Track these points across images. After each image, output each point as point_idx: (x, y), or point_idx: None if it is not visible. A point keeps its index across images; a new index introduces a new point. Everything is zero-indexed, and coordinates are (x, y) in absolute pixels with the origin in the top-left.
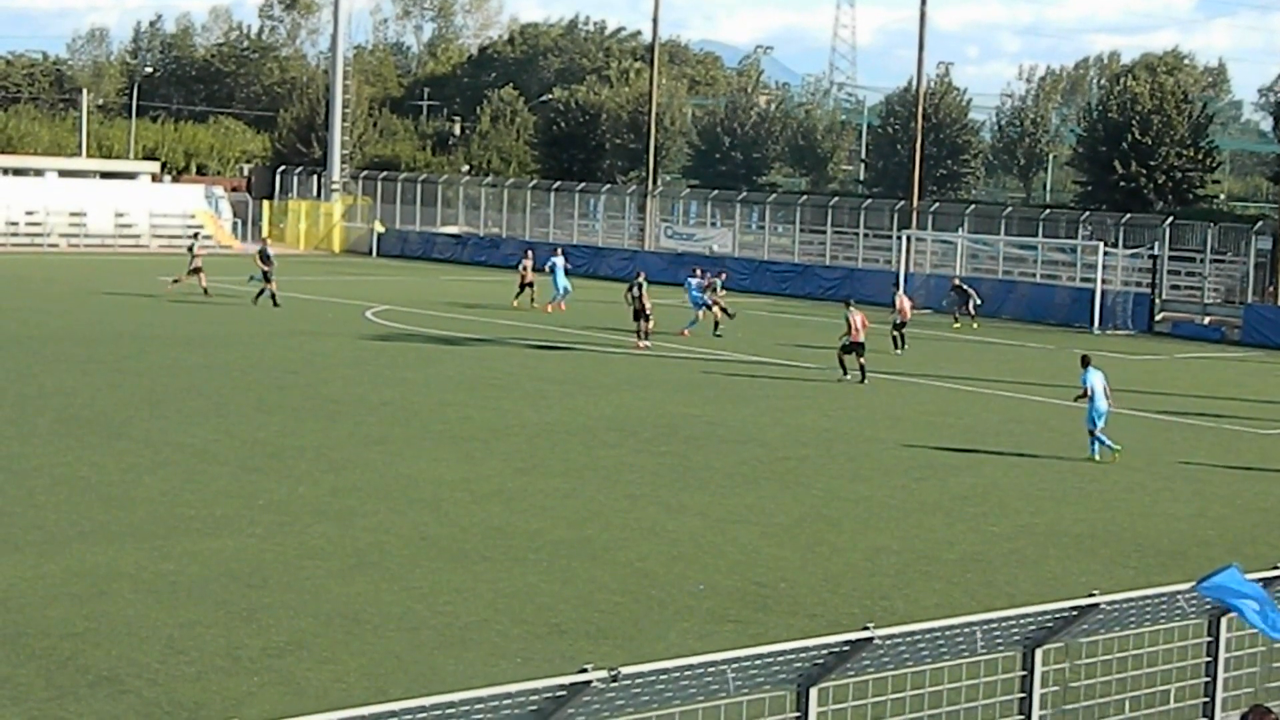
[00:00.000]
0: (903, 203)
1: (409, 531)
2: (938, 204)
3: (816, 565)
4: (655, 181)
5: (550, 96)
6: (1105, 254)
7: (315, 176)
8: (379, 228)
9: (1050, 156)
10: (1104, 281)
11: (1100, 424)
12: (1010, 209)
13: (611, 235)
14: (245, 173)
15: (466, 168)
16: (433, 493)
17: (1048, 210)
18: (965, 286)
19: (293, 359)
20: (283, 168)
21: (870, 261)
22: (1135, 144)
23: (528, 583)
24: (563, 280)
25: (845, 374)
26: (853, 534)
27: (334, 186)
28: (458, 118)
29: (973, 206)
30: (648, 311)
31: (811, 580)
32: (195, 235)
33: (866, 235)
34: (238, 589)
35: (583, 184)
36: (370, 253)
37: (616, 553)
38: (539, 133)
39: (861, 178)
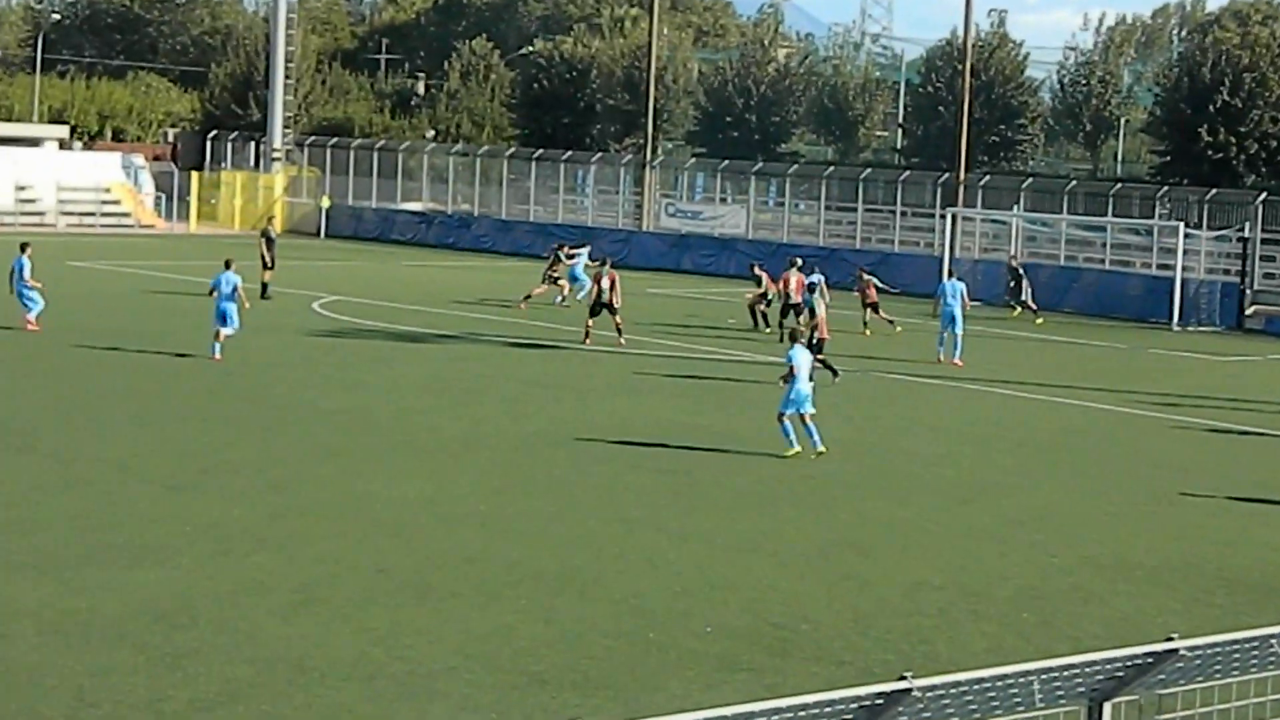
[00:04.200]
0: (947, 175)
1: (364, 562)
2: (988, 177)
3: (844, 602)
4: (655, 150)
5: (531, 49)
6: (1186, 236)
7: (253, 143)
8: (325, 203)
9: (1122, 121)
10: (1185, 269)
11: (796, 409)
12: (1074, 183)
13: (603, 213)
14: (170, 139)
15: (432, 133)
16: (393, 516)
17: (1118, 185)
18: (1021, 269)
19: (228, 359)
20: (214, 133)
21: (909, 244)
22: (1223, 107)
23: (504, 623)
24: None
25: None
26: (887, 565)
27: (275, 155)
28: (421, 74)
29: (1030, 180)
30: (616, 304)
31: (838, 620)
32: (559, 246)
33: (904, 214)
34: (161, 630)
35: (569, 152)
36: (318, 233)
37: (609, 587)
38: (518, 92)
39: (898, 146)
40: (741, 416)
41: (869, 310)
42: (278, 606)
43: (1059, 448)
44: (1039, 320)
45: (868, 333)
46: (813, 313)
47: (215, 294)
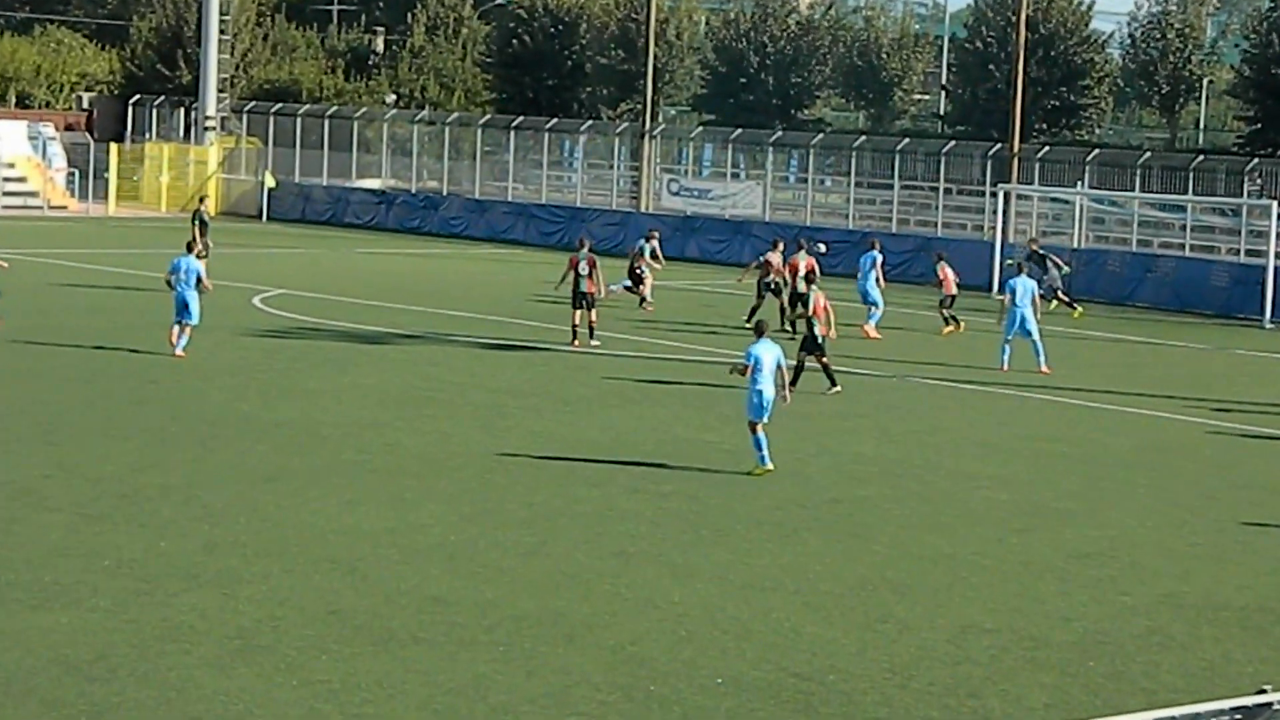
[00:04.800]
0: (998, 147)
1: (313, 603)
2: (1047, 148)
3: (879, 650)
4: (655, 117)
5: (509, 0)
6: None
7: (183, 110)
8: (269, 181)
9: (1204, 83)
10: (1279, 256)
11: (764, 417)
12: (1148, 154)
13: (595, 192)
14: (85, 105)
15: (393, 97)
16: (346, 549)
17: (1200, 157)
18: (1046, 254)
19: (153, 363)
20: (137, 98)
21: (954, 227)
22: None
23: (477, 674)
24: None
25: (950, 325)
26: (929, 606)
27: (208, 124)
28: (380, 29)
29: (1096, 152)
30: (595, 295)
31: (872, 671)
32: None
33: (948, 191)
34: (74, 682)
35: (554, 120)
36: (259, 215)
37: (601, 632)
38: (493, 49)
39: (941, 112)
40: None
41: (945, 304)
42: (211, 656)
43: (1132, 467)
44: (1077, 312)
45: (951, 330)
46: (806, 303)
47: (174, 281)
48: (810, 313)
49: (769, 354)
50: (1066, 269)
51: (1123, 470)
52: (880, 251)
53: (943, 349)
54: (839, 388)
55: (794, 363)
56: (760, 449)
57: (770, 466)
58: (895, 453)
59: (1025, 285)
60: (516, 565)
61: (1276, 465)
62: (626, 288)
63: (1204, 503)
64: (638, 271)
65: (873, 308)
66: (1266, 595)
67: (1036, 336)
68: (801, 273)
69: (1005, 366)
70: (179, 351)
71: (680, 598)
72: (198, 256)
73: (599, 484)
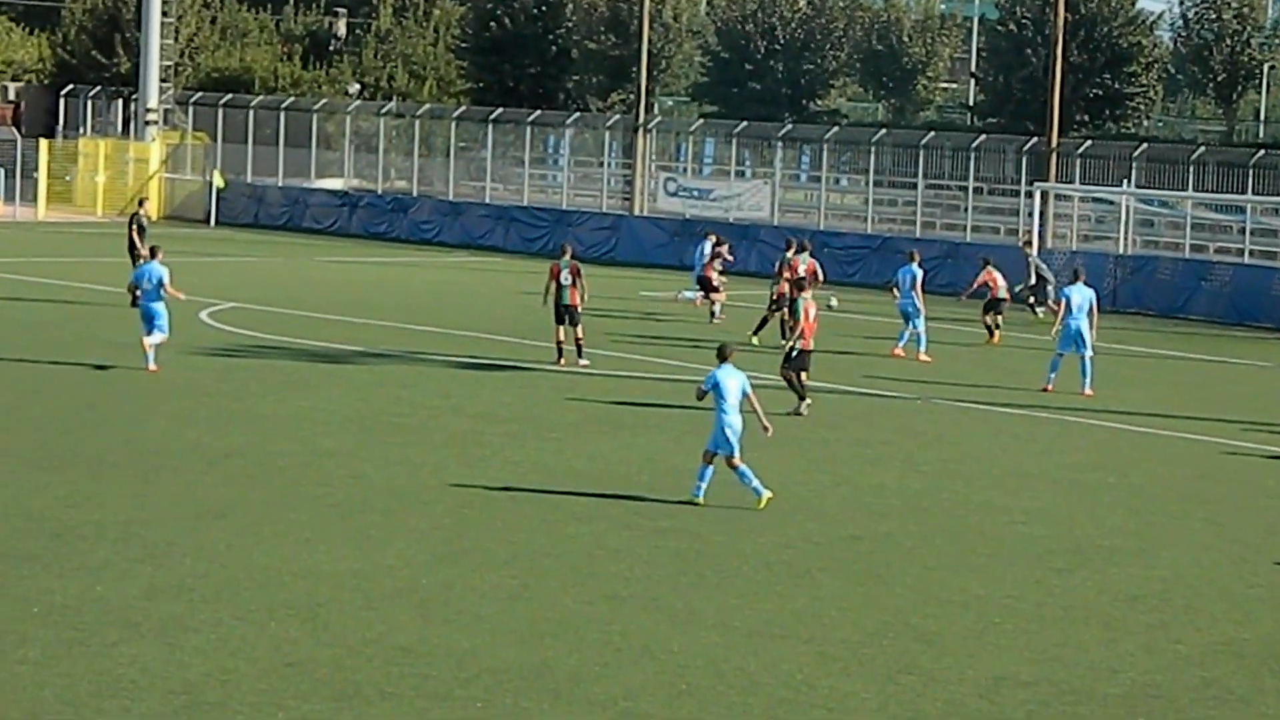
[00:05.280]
0: (1035, 141)
1: (268, 654)
2: (1089, 143)
3: (902, 705)
4: (650, 109)
5: None
6: None
7: (121, 102)
8: (218, 181)
9: (1265, 69)
10: None
11: (732, 451)
12: (1203, 150)
13: (583, 192)
14: (11, 96)
15: (357, 87)
16: (305, 593)
17: (1261, 152)
18: (1038, 261)
19: (89, 386)
20: (70, 88)
21: (985, 231)
22: None
23: None
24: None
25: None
26: (960, 656)
27: (150, 118)
28: (342, 11)
29: (1144, 146)
30: (577, 305)
31: None
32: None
33: (979, 190)
34: None
35: (538, 112)
36: (207, 220)
37: (591, 686)
38: (469, 34)
39: (971, 102)
40: (764, 459)
41: (992, 312)
42: (154, 713)
43: (1186, 499)
44: (1040, 314)
45: (995, 340)
46: (795, 314)
47: (138, 292)
48: (796, 325)
49: (733, 380)
50: (1042, 283)
51: (1175, 503)
52: (921, 265)
53: (973, 367)
54: (808, 401)
55: (787, 381)
56: (702, 479)
57: (699, 499)
58: (920, 484)
59: (1083, 294)
60: (496, 611)
61: None
62: (703, 298)
63: (1267, 539)
64: (710, 279)
65: (913, 329)
66: None
67: (1089, 354)
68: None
69: (1050, 385)
70: (151, 366)
71: (679, 647)
72: (136, 264)
73: (588, 519)
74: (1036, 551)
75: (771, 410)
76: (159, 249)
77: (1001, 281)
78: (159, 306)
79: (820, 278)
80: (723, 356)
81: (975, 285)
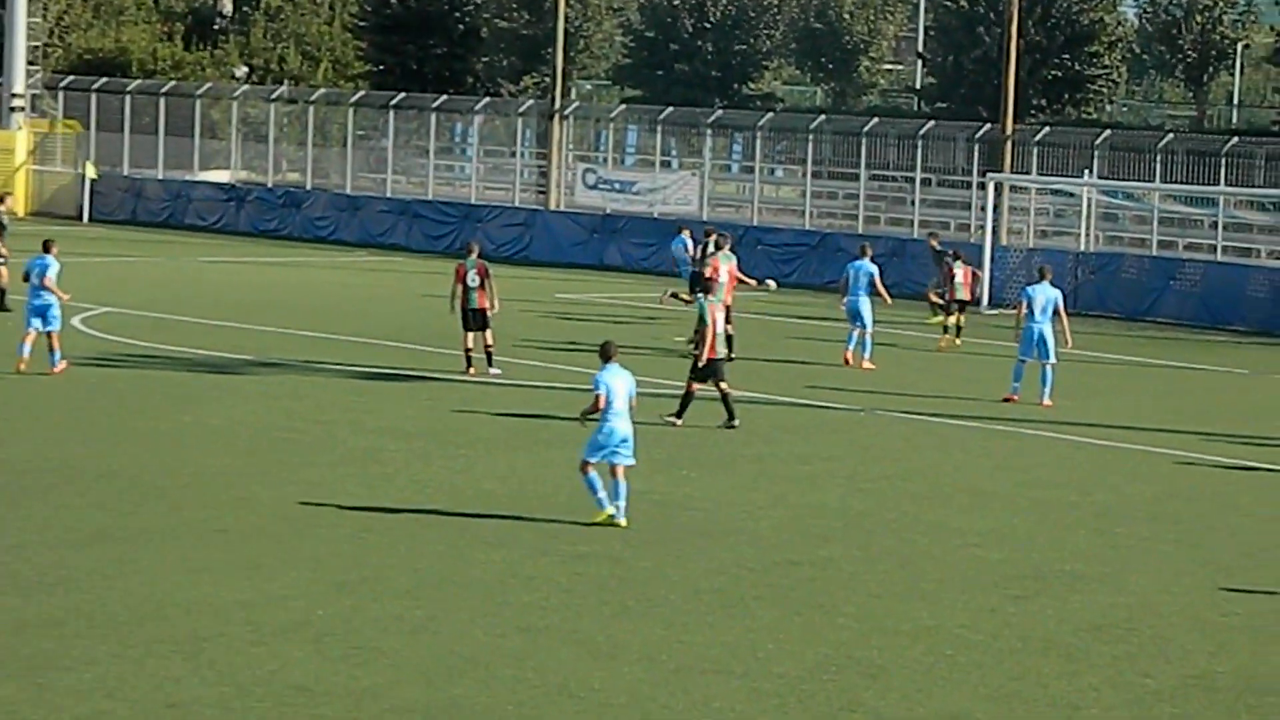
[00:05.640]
0: (988, 128)
1: (149, 694)
2: (1048, 130)
3: None
4: (567, 93)
5: None
6: None
7: None
8: (91, 173)
9: (1238, 49)
10: None
11: (605, 457)
12: (1171, 137)
13: (494, 185)
14: None
15: (244, 70)
16: (189, 627)
17: (1235, 139)
18: (945, 252)
19: None
20: None
21: (934, 225)
22: None
23: None
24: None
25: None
26: (907, 692)
27: (15, 104)
28: None
29: (1107, 134)
30: (490, 310)
31: None
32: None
33: (927, 182)
34: None
35: (444, 97)
36: (79, 216)
37: None
38: (368, 11)
39: (918, 85)
40: (695, 477)
41: (955, 314)
42: None
43: (1154, 520)
44: (934, 319)
45: (948, 343)
46: (702, 319)
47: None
48: (700, 332)
49: (620, 381)
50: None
51: (1143, 523)
52: (875, 261)
53: (922, 375)
54: (738, 422)
55: (686, 394)
56: (596, 490)
57: (611, 511)
58: (865, 503)
59: (1047, 295)
60: (399, 645)
61: None
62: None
63: (1242, 563)
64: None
65: (861, 331)
66: None
67: (1053, 360)
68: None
69: (1016, 394)
70: (55, 368)
71: (601, 683)
72: None
73: (500, 544)
74: (992, 577)
75: (701, 424)
76: (53, 243)
77: (964, 280)
78: (49, 299)
79: (747, 282)
80: (606, 356)
81: (955, 280)
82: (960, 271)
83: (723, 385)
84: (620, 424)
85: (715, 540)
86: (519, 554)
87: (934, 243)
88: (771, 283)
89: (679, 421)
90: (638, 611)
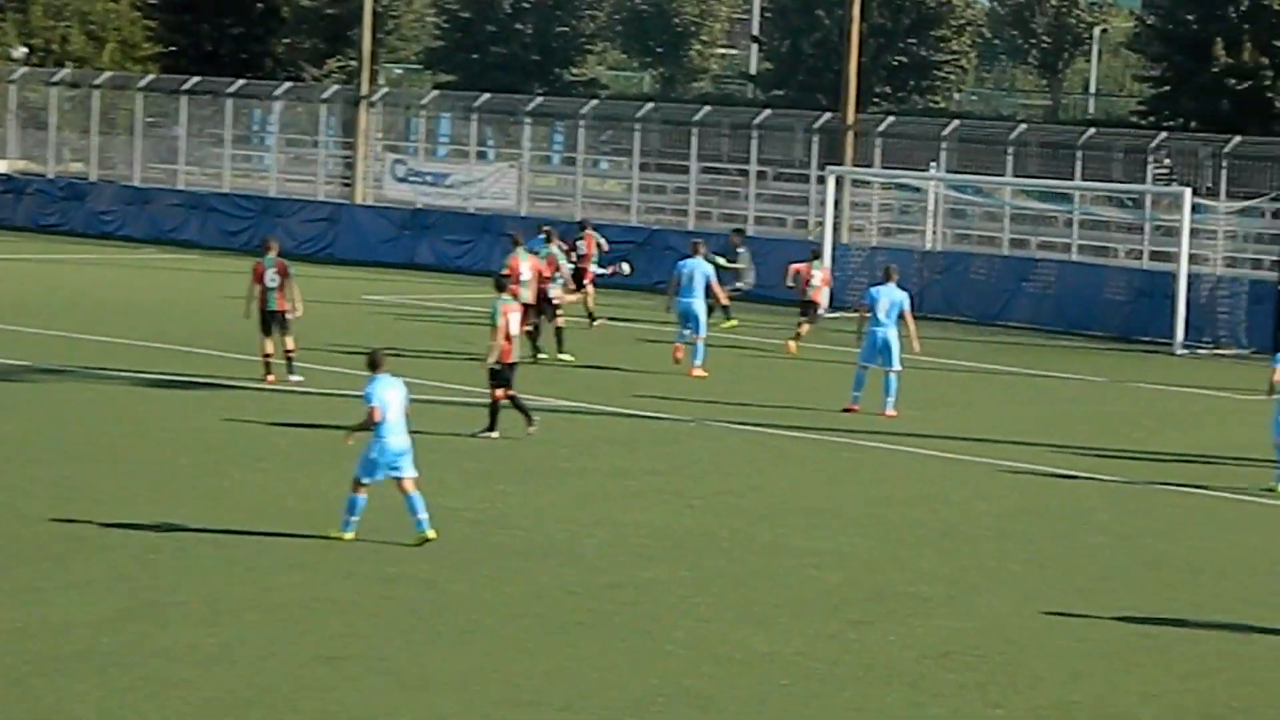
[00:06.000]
0: (828, 117)
1: None
2: (892, 120)
3: None
4: (375, 78)
5: None
6: (1196, 210)
7: None
8: None
9: (1095, 34)
10: (1194, 259)
11: (385, 474)
12: (1024, 128)
13: (295, 176)
14: None
15: (23, 51)
16: None
17: (1092, 130)
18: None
19: None
20: None
21: (770, 222)
22: (1252, 10)
23: None
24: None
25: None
26: None
27: None
28: None
29: (955, 124)
30: (290, 313)
31: None
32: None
33: (763, 175)
34: None
35: (241, 81)
36: None
37: None
38: None
39: (753, 71)
40: (513, 493)
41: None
42: None
43: (1005, 538)
44: (729, 322)
45: (794, 347)
46: (493, 320)
47: None
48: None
49: (394, 393)
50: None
51: (993, 543)
52: (709, 258)
53: (757, 383)
54: (534, 428)
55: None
56: (353, 514)
57: (351, 535)
58: (694, 521)
59: (892, 297)
60: (192, 676)
61: (1192, 536)
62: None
63: (1099, 585)
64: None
65: (694, 334)
66: (1179, 706)
67: (897, 367)
68: (522, 275)
69: (856, 404)
70: None
71: (411, 717)
72: None
73: (302, 566)
74: (831, 600)
75: (518, 435)
76: None
77: (821, 283)
78: None
79: (560, 275)
80: (375, 366)
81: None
82: (819, 273)
83: (510, 393)
84: (395, 439)
85: (534, 561)
86: (322, 576)
87: (736, 239)
88: (625, 266)
89: (495, 434)
90: (450, 639)
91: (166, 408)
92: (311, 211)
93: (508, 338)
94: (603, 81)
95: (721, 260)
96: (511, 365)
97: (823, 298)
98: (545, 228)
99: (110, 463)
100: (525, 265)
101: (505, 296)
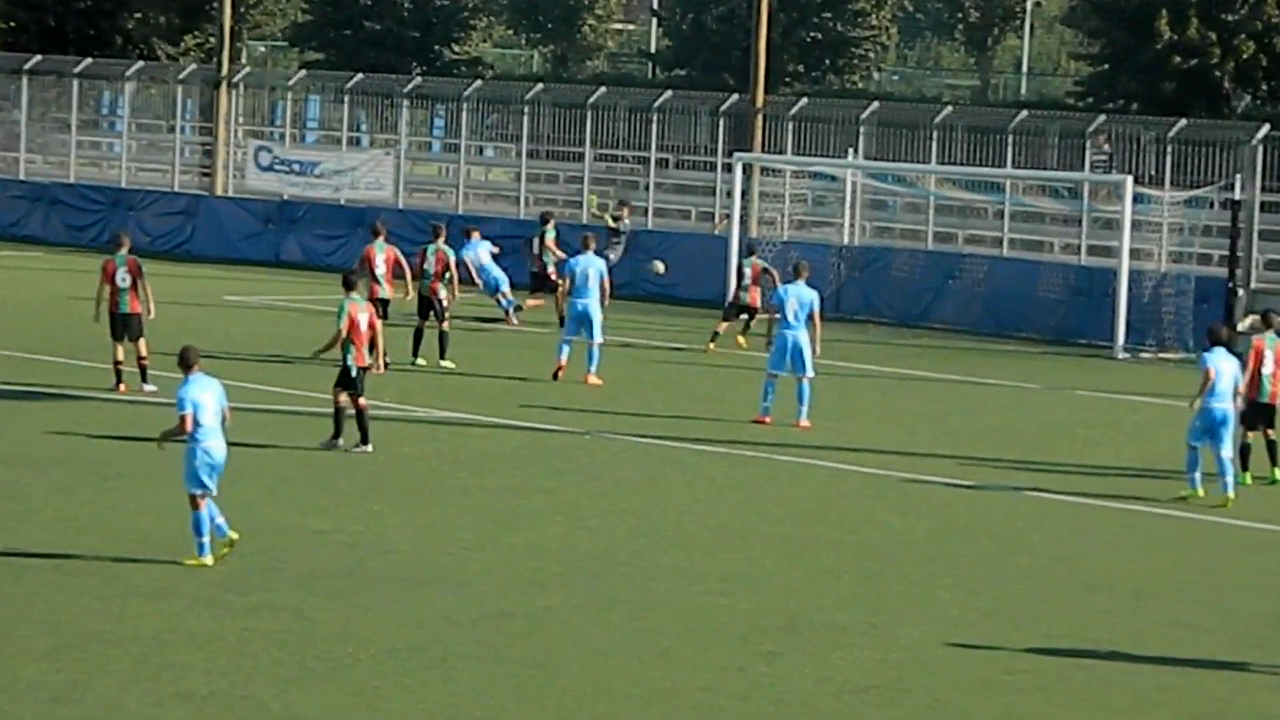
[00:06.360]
0: (734, 99)
1: None
2: (805, 102)
3: None
4: (237, 56)
5: None
6: (1138, 199)
7: None
8: None
9: (1027, 8)
10: (1135, 254)
11: (205, 484)
12: (950, 110)
13: (149, 165)
14: None
15: None
16: None
17: (1024, 113)
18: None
19: None
20: None
21: (671, 215)
22: None
23: None
24: (495, 271)
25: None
26: None
27: None
28: None
29: (875, 106)
30: (142, 314)
31: None
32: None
33: (663, 163)
34: None
35: (88, 60)
36: None
37: None
38: None
39: (653, 49)
40: (389, 514)
41: (732, 320)
42: None
43: (930, 560)
44: (517, 319)
45: (743, 341)
46: (338, 319)
47: None
48: (334, 339)
49: (210, 394)
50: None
51: (916, 565)
52: (600, 254)
53: (659, 391)
54: (371, 447)
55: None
56: (202, 533)
57: (209, 559)
58: (590, 543)
59: (802, 297)
60: (36, 715)
61: (1134, 557)
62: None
63: (1030, 612)
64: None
65: (588, 340)
66: None
67: (809, 374)
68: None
69: (767, 415)
70: None
71: None
72: None
73: (157, 595)
74: (740, 630)
75: (398, 449)
76: None
77: (752, 278)
78: None
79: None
80: (187, 365)
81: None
82: (749, 269)
83: (360, 400)
84: (215, 443)
85: (413, 589)
86: (180, 606)
87: (624, 210)
88: (659, 264)
89: (340, 442)
90: (320, 674)
91: (6, 421)
92: (167, 204)
93: (359, 340)
94: (488, 60)
95: (609, 219)
96: (364, 370)
97: (756, 297)
98: (434, 223)
99: None
100: (380, 258)
101: (354, 295)
